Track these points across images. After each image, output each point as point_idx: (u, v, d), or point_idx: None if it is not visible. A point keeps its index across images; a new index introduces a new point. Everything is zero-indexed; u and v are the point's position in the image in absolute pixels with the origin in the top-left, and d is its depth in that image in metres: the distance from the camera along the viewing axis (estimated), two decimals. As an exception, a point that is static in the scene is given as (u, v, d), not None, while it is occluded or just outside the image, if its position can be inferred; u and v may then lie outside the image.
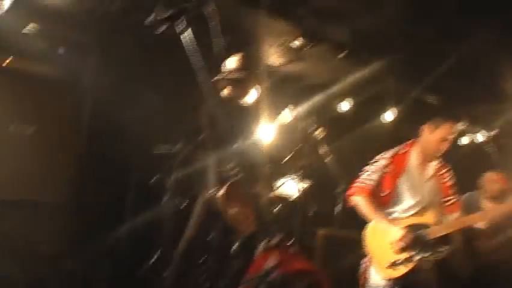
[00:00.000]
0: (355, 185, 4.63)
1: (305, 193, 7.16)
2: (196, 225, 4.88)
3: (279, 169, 7.23)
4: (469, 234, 6.70)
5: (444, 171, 4.67)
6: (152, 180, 6.48)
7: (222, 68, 5.07)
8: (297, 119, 7.71)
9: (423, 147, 4.55)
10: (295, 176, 7.07)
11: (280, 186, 7.11)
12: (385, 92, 8.20)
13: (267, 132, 6.62)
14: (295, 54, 6.75)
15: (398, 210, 4.52)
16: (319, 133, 8.10)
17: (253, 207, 4.50)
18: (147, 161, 6.63)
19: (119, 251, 6.54)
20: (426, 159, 4.57)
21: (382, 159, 4.60)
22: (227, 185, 4.61)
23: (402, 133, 9.13)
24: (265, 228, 1.53)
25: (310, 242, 7.53)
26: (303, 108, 7.66)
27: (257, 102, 7.42)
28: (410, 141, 4.69)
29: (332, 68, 7.12)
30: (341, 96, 8.58)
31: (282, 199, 7.26)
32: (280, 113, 7.99)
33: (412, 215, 4.46)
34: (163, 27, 2.39)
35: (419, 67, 6.94)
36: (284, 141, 7.20)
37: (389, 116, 8.56)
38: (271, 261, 1.48)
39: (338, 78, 7.66)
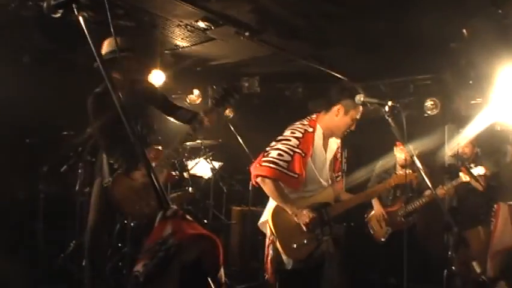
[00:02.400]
0: (265, 164, 4.31)
1: (218, 172, 7.28)
2: (96, 211, 4.90)
3: (191, 150, 7.31)
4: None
5: (339, 148, 4.77)
6: (63, 168, 6.44)
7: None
8: (207, 100, 7.82)
9: (330, 126, 4.49)
10: (207, 157, 7.19)
11: (194, 166, 7.21)
12: (293, 70, 8.38)
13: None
14: (201, 36, 6.79)
15: (305, 190, 4.44)
16: (228, 113, 8.25)
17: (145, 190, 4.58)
18: (56, 150, 6.54)
19: (34, 242, 6.46)
20: (329, 137, 4.55)
21: (293, 138, 4.36)
22: (115, 174, 4.69)
23: (312, 110, 9.43)
24: (164, 205, 1.60)
25: (226, 218, 7.66)
26: (211, 88, 7.77)
27: (165, 84, 7.48)
28: (314, 117, 4.58)
29: (237, 48, 7.18)
30: (248, 76, 8.68)
31: (196, 179, 7.38)
32: (189, 94, 8.07)
33: (315, 195, 4.46)
34: (59, 13, 2.37)
35: (325, 45, 7.12)
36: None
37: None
38: (167, 231, 1.56)
39: (244, 58, 7.78)
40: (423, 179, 4.18)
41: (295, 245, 4.25)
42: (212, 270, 1.69)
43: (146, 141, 4.84)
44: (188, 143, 7.14)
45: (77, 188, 6.39)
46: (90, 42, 2.19)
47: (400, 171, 6.98)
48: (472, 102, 7.71)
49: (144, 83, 5.40)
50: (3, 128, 6.40)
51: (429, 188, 4.52)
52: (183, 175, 6.82)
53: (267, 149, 4.42)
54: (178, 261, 1.58)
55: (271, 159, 4.28)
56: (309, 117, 4.57)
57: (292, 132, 4.41)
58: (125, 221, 5.63)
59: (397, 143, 6.54)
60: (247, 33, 6.41)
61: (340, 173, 4.84)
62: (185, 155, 7.17)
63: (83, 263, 5.20)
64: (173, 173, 5.10)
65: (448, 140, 7.70)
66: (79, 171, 6.41)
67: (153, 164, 4.60)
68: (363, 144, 8.24)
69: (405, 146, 4.36)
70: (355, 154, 8.67)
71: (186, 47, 7.34)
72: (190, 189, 6.82)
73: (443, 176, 7.09)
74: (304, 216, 4.26)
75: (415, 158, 4.15)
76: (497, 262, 6.45)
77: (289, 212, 4.30)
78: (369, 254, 7.28)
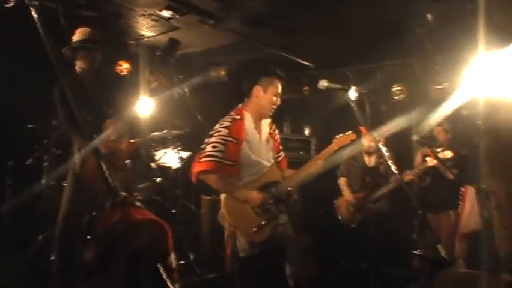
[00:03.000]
0: (203, 160, 4.50)
1: (186, 162, 7.26)
2: (67, 202, 4.90)
3: (159, 140, 7.27)
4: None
5: (273, 129, 4.96)
6: (29, 162, 6.36)
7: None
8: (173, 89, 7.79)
9: (257, 108, 4.70)
10: (175, 147, 7.16)
11: (162, 157, 7.18)
12: (260, 59, 8.36)
13: (143, 104, 6.64)
14: (165, 25, 6.75)
15: (246, 175, 4.58)
16: (195, 102, 8.20)
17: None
18: (21, 142, 6.46)
19: (1, 237, 6.38)
20: (259, 120, 4.75)
21: (223, 129, 4.56)
22: (81, 156, 4.70)
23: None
24: (114, 193, 1.59)
25: (196, 208, 7.65)
26: (178, 78, 7.72)
27: (132, 74, 7.43)
28: (240, 105, 4.78)
29: (203, 37, 7.16)
30: (214, 65, 8.66)
31: (164, 169, 7.34)
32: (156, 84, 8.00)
33: (261, 176, 4.61)
34: (12, 2, 2.33)
35: (291, 32, 7.11)
36: (161, 112, 7.24)
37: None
38: (115, 217, 1.55)
39: (210, 47, 7.76)
40: (389, 165, 4.26)
41: (255, 229, 4.38)
42: (161, 256, 1.68)
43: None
44: (155, 133, 7.11)
45: (43, 181, 6.34)
46: (41, 32, 2.15)
47: (366, 158, 7.08)
48: (438, 87, 7.78)
49: (108, 72, 5.45)
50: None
51: (395, 174, 4.58)
52: (150, 165, 6.80)
53: (202, 146, 4.59)
54: (126, 247, 1.58)
55: (207, 153, 4.47)
56: (235, 108, 4.76)
57: (220, 124, 4.60)
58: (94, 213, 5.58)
59: (361, 128, 6.55)
60: (211, 21, 6.39)
61: (281, 153, 5.02)
62: (153, 145, 7.13)
63: (52, 257, 5.18)
64: (132, 141, 5.08)
65: (415, 124, 7.77)
66: (45, 164, 6.36)
67: (112, 137, 4.66)
68: (331, 132, 8.28)
69: (369, 132, 4.44)
70: (324, 143, 8.73)
71: (151, 36, 7.30)
72: (158, 179, 6.80)
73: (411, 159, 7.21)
74: (255, 199, 4.44)
75: (380, 144, 4.23)
76: (464, 245, 6.54)
77: (240, 199, 4.45)
78: (339, 240, 7.33)
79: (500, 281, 3.95)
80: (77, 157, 4.80)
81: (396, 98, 8.14)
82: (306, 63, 8.37)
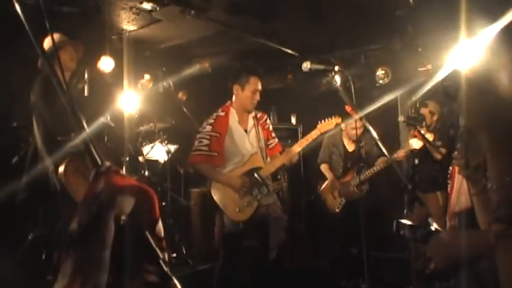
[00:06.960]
0: (193, 153, 5.23)
1: (174, 155, 7.23)
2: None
3: (146, 134, 7.24)
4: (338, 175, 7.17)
5: (264, 119, 5.59)
6: (14, 160, 6.29)
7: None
8: (157, 84, 7.77)
9: (239, 105, 5.33)
10: (162, 140, 7.13)
11: (149, 151, 7.14)
12: (243, 49, 8.33)
13: (127, 99, 6.61)
14: (147, 18, 6.70)
15: (232, 163, 5.23)
16: (181, 96, 8.18)
17: None
18: (7, 141, 6.39)
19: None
20: (244, 114, 5.39)
21: (207, 126, 5.24)
22: (66, 160, 4.78)
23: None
24: (96, 163, 1.59)
25: (185, 200, 7.65)
26: (162, 72, 7.70)
27: (115, 70, 7.37)
28: (228, 103, 5.41)
29: (185, 28, 7.11)
30: (198, 58, 8.61)
31: (152, 163, 7.31)
32: (140, 79, 7.96)
33: (245, 163, 5.24)
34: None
35: (271, 19, 7.08)
36: (148, 107, 7.20)
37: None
38: (100, 186, 1.52)
39: (193, 39, 7.72)
40: (377, 147, 4.28)
41: (237, 209, 5.04)
42: (149, 224, 1.65)
43: None
44: (142, 128, 7.09)
45: (23, 180, 6.27)
46: (26, 27, 2.12)
47: (346, 143, 7.11)
48: (422, 69, 7.78)
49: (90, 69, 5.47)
50: None
51: (384, 155, 4.65)
52: (138, 159, 6.77)
53: (194, 142, 5.32)
54: (111, 214, 1.55)
55: (195, 148, 5.24)
56: (223, 105, 5.44)
57: (206, 122, 5.32)
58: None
59: (347, 107, 6.53)
60: (192, 12, 6.36)
61: (272, 140, 5.62)
62: (139, 140, 7.11)
63: (43, 256, 5.15)
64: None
65: (400, 106, 7.78)
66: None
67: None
68: (317, 119, 8.28)
69: (355, 112, 4.51)
70: (310, 130, 8.73)
71: (133, 30, 7.24)
72: (147, 173, 6.78)
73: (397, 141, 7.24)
74: (235, 183, 5.11)
75: (368, 126, 4.22)
76: (455, 224, 6.53)
77: (224, 184, 5.13)
78: (330, 226, 7.34)
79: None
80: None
81: (381, 81, 8.15)
82: (289, 51, 8.36)
